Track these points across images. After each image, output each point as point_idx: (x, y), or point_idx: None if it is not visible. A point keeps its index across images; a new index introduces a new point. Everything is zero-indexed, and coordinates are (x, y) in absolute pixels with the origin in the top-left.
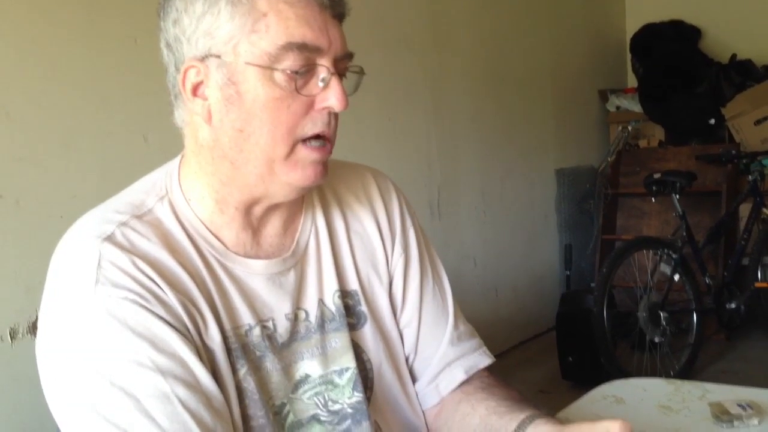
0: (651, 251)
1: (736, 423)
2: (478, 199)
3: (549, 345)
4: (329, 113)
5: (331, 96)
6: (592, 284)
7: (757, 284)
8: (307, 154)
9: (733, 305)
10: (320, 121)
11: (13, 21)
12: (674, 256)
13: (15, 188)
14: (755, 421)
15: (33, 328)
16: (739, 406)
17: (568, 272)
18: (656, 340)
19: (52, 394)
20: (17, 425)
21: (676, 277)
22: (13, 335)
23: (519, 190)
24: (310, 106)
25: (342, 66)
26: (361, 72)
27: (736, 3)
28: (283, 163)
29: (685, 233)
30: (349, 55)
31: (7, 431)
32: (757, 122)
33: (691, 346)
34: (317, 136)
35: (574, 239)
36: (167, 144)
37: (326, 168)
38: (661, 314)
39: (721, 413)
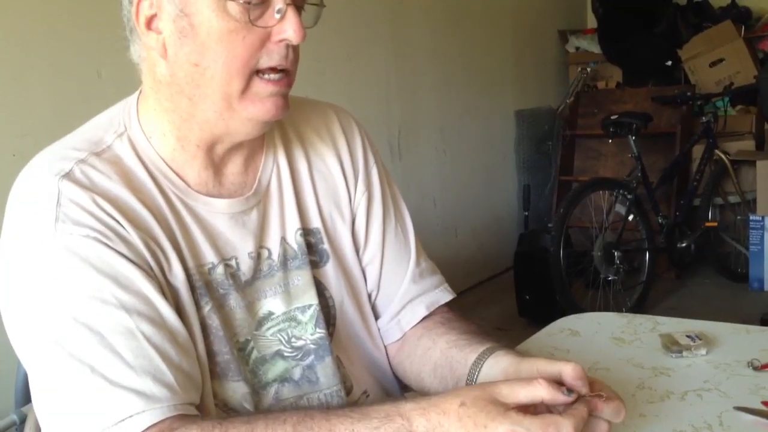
0: (607, 192)
1: (684, 353)
2: (437, 139)
3: (506, 284)
4: (286, 46)
5: (287, 28)
6: (550, 224)
7: (707, 224)
8: (264, 87)
9: (684, 244)
10: (277, 54)
11: None
12: (629, 196)
13: None
14: (703, 351)
15: None
16: (688, 337)
17: (526, 213)
18: (610, 278)
19: (15, 332)
20: None
21: (631, 217)
22: None
23: (478, 130)
24: (266, 38)
25: None
26: (320, 4)
27: None
28: (240, 98)
29: (639, 174)
30: None
31: None
32: (712, 64)
33: (642, 284)
34: (274, 69)
35: (532, 180)
36: (122, 79)
37: (286, 101)
38: (615, 253)
39: (671, 344)
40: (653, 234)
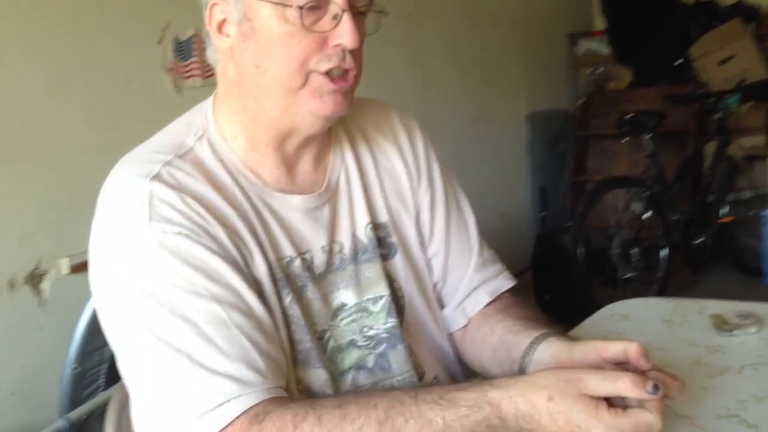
0: (623, 191)
1: (736, 331)
2: (453, 142)
3: (524, 286)
4: (343, 50)
5: (342, 33)
6: (568, 224)
7: (722, 219)
8: (323, 83)
9: (700, 240)
10: (335, 58)
11: None
12: (645, 194)
13: (7, 139)
14: (754, 329)
15: (31, 278)
16: (738, 316)
17: (543, 214)
18: (627, 275)
19: (112, 327)
20: (17, 372)
21: (647, 215)
22: (11, 286)
23: (492, 133)
24: (323, 42)
25: (360, 4)
26: (382, 12)
27: None
28: (301, 92)
29: (655, 171)
30: None
31: (7, 377)
32: (722, 62)
33: (660, 280)
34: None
35: (547, 181)
36: (152, 92)
37: (348, 99)
38: (633, 250)
39: (722, 323)
40: (670, 231)
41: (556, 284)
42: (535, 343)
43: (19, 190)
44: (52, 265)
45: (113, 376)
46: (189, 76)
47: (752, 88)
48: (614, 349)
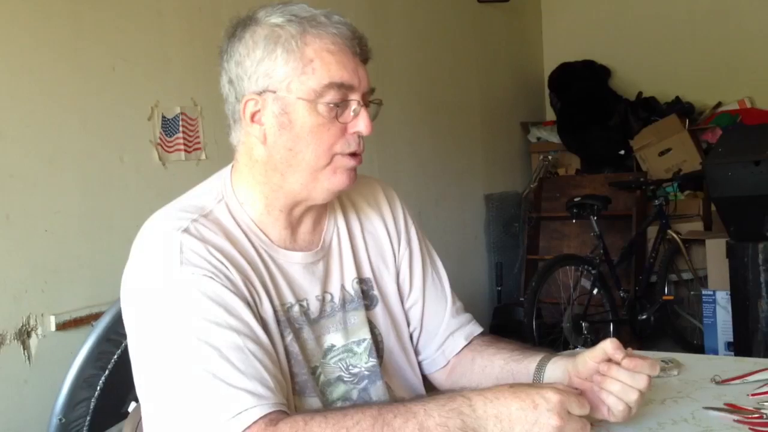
0: (573, 267)
1: (660, 373)
2: (415, 218)
3: None
4: (358, 136)
5: (360, 123)
6: (522, 298)
7: (664, 297)
8: (345, 161)
9: (644, 317)
10: (353, 142)
11: (7, 51)
12: (593, 271)
13: (6, 203)
14: (675, 372)
15: (20, 334)
16: (663, 361)
17: (499, 288)
18: (579, 347)
19: (141, 351)
20: (3, 424)
21: (595, 291)
22: (1, 341)
23: (452, 213)
24: (344, 130)
25: (369, 99)
26: (380, 103)
27: (641, 46)
28: (325, 170)
29: (602, 251)
30: (371, 90)
31: None
32: (661, 153)
33: None
34: (350, 154)
35: (502, 258)
36: (141, 164)
37: (355, 174)
38: (583, 324)
39: None
40: (616, 307)
41: None
42: (541, 365)
43: (16, 250)
44: (39, 322)
45: (94, 428)
46: (174, 150)
47: (688, 178)
48: (597, 351)
